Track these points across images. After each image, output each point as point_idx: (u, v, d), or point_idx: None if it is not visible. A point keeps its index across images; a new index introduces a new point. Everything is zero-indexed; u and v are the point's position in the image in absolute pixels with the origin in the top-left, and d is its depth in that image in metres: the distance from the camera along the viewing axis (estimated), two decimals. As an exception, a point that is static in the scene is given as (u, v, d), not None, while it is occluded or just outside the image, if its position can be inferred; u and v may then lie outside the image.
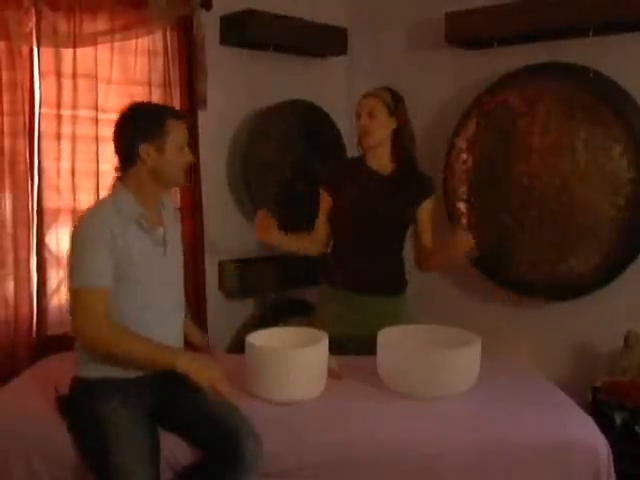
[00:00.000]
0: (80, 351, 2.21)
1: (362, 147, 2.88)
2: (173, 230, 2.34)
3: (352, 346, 2.77)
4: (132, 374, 2.16)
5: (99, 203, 2.26)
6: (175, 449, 2.09)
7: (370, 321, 2.76)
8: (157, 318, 2.19)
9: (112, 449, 1.99)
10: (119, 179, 2.22)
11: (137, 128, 2.14)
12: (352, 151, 4.03)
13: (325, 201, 2.93)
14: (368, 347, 2.60)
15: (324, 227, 2.95)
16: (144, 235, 2.17)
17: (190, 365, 2.07)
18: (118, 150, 2.19)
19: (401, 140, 2.83)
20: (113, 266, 2.09)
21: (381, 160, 2.86)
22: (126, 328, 2.10)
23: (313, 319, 2.99)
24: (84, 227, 2.12)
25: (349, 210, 2.84)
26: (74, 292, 2.09)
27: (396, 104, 2.82)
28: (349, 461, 2.10)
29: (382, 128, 2.80)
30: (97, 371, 2.15)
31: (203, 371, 2.08)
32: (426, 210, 2.89)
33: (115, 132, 2.19)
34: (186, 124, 2.22)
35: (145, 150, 2.13)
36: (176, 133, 2.16)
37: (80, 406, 2.14)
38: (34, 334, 3.03)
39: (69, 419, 2.15)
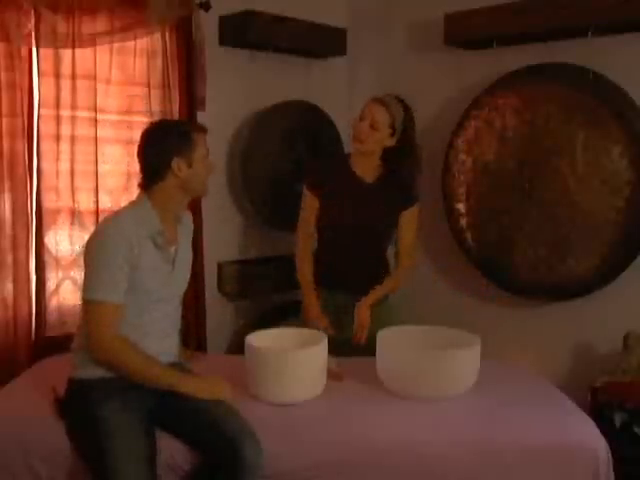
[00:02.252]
0: (77, 352, 2.22)
1: (352, 148, 2.87)
2: (185, 247, 2.38)
3: (346, 348, 2.75)
4: None
5: (120, 211, 2.29)
6: (175, 452, 2.09)
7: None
8: (149, 330, 2.22)
9: (109, 450, 2.00)
10: (144, 192, 2.26)
11: (169, 144, 2.21)
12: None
13: (312, 201, 2.90)
14: (359, 350, 2.62)
15: (313, 227, 2.92)
16: (156, 252, 2.21)
17: (191, 387, 2.16)
18: (147, 166, 2.24)
19: (398, 157, 2.80)
20: (127, 276, 2.14)
21: (366, 167, 2.85)
22: (133, 346, 2.15)
23: (302, 321, 2.95)
24: (104, 235, 2.15)
25: (333, 216, 2.84)
26: (87, 303, 2.13)
27: (404, 125, 2.76)
28: (349, 462, 2.10)
29: (377, 142, 2.78)
30: (95, 372, 2.16)
31: (204, 389, 2.18)
32: (405, 218, 2.88)
33: (143, 149, 2.25)
34: (206, 136, 2.29)
35: (177, 164, 2.19)
36: (201, 146, 2.24)
37: (77, 408, 2.14)
38: (33, 335, 3.03)
39: (67, 421, 2.15)
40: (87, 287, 2.14)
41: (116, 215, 2.28)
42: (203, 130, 2.28)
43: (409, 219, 2.89)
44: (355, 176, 2.85)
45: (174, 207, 2.28)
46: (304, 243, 2.95)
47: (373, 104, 2.77)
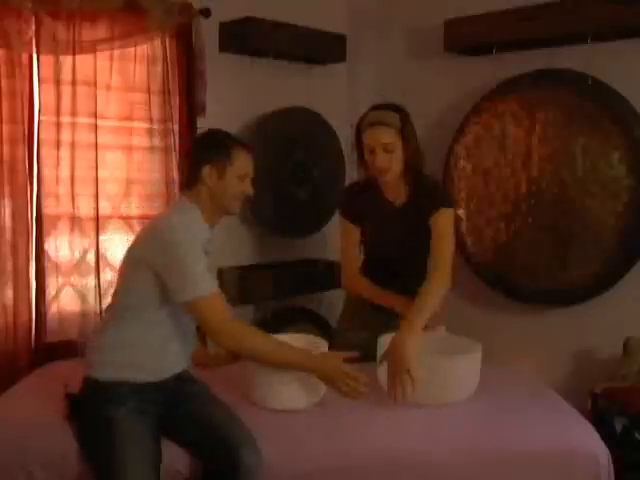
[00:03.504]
0: (96, 352, 2.19)
1: (377, 179, 2.66)
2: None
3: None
4: (150, 378, 2.16)
5: (176, 214, 2.24)
6: (176, 459, 2.08)
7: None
8: (174, 335, 2.21)
9: (119, 452, 1.99)
10: (186, 197, 2.27)
11: (205, 149, 2.25)
12: (351, 158, 4.04)
13: (353, 232, 2.74)
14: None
15: (358, 260, 2.79)
16: (205, 257, 2.20)
17: (325, 374, 2.20)
18: (186, 168, 2.31)
19: (411, 162, 2.61)
20: None
21: (395, 188, 2.66)
22: (256, 328, 2.21)
23: (339, 325, 2.96)
24: (180, 235, 2.12)
25: (373, 244, 2.75)
26: (198, 300, 2.10)
27: (404, 125, 2.56)
28: (348, 469, 2.09)
29: (399, 161, 2.57)
30: (113, 373, 2.14)
31: (346, 391, 2.18)
32: (433, 224, 2.60)
33: (187, 151, 2.31)
34: (253, 158, 2.29)
35: (207, 171, 2.20)
36: (240, 162, 2.24)
37: (91, 407, 2.12)
38: (33, 341, 3.03)
39: (78, 420, 2.14)
40: (190, 285, 2.09)
41: (175, 217, 2.23)
42: (249, 150, 2.28)
43: (436, 225, 2.59)
44: (387, 203, 2.69)
45: (209, 216, 2.26)
46: (354, 281, 2.79)
47: (371, 128, 2.56)
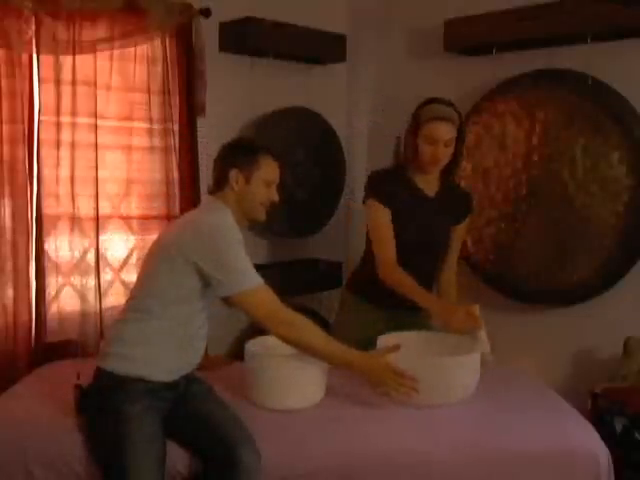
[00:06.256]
0: (114, 344, 2.18)
1: (422, 170, 2.72)
2: None
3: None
4: (165, 377, 2.16)
5: (218, 210, 2.25)
6: (176, 459, 2.08)
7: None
8: (194, 334, 2.22)
9: (131, 450, 1.99)
10: (214, 198, 2.29)
11: (232, 155, 2.30)
12: (351, 158, 4.05)
13: (386, 214, 2.70)
14: None
15: (394, 248, 2.71)
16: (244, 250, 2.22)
17: (375, 375, 2.28)
18: (214, 173, 2.33)
19: (457, 158, 2.73)
20: None
21: (429, 180, 2.76)
22: (309, 320, 2.22)
23: (337, 324, 2.97)
24: (224, 227, 2.17)
25: (400, 233, 2.71)
26: (251, 291, 2.15)
27: (462, 124, 2.68)
28: (348, 469, 2.09)
29: (449, 155, 2.68)
30: (130, 368, 2.13)
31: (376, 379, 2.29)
32: (460, 228, 2.86)
33: (215, 157, 2.34)
34: (280, 166, 2.36)
35: (235, 176, 2.25)
36: (266, 169, 2.30)
37: (104, 399, 2.11)
38: (33, 341, 3.03)
39: (87, 411, 2.13)
40: (240, 276, 2.14)
41: (210, 214, 2.25)
42: (275, 157, 2.34)
43: (462, 228, 2.88)
44: (420, 191, 2.75)
45: (237, 219, 2.28)
46: (394, 272, 2.68)
47: (438, 122, 2.62)
